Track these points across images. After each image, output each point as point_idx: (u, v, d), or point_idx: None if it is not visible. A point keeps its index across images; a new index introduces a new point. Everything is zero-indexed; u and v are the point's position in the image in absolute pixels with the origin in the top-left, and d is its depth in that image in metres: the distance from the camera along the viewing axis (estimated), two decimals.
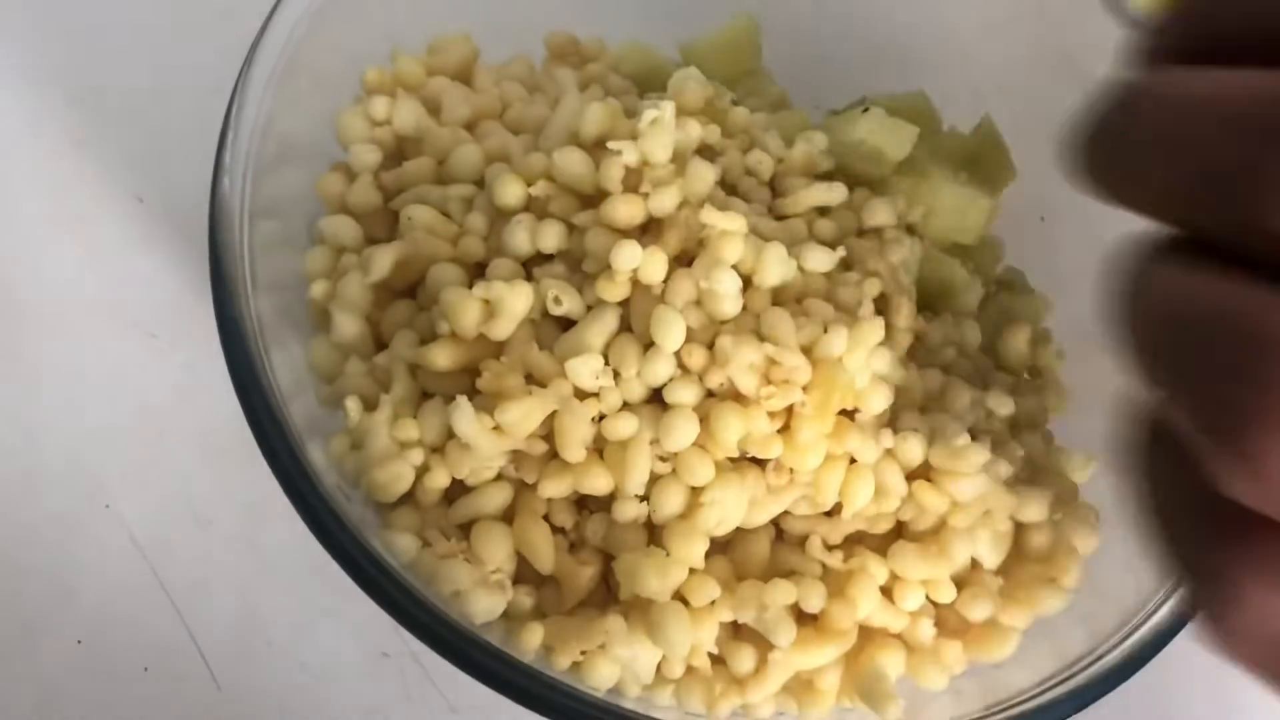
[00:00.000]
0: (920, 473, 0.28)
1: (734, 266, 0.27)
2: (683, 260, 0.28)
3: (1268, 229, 0.15)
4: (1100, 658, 0.28)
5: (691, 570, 0.27)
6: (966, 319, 0.34)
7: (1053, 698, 0.27)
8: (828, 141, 0.33)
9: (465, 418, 0.26)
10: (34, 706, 0.34)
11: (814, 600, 0.27)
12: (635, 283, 0.27)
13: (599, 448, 0.27)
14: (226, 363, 0.26)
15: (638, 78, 0.37)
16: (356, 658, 0.36)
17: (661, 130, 0.28)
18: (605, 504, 0.28)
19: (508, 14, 0.38)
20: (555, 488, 0.27)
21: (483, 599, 0.26)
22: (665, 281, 0.27)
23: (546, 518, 0.28)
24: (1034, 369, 0.35)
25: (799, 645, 0.27)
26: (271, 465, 0.25)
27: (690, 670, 0.28)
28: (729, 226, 0.27)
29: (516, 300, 0.27)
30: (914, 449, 0.28)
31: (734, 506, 0.27)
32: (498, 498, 0.27)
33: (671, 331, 0.26)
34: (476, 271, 0.29)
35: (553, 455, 0.27)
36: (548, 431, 0.27)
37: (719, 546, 0.28)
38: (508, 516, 0.28)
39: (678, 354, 0.27)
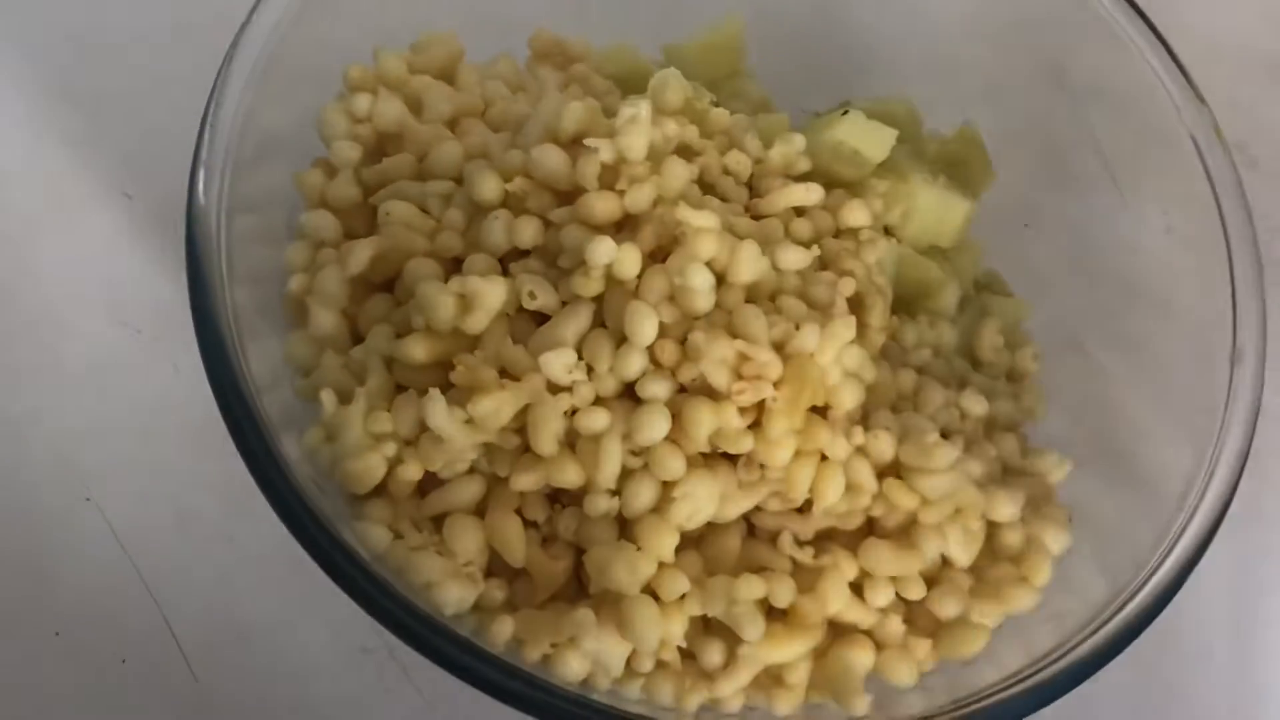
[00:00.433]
0: (891, 470, 0.29)
1: (707, 263, 0.27)
2: (658, 257, 0.28)
3: None
4: (1068, 653, 0.28)
5: (662, 564, 0.27)
6: (943, 320, 0.34)
7: (1018, 692, 0.27)
8: (806, 143, 0.33)
9: (438, 410, 0.26)
10: (10, 697, 0.34)
11: (783, 595, 0.27)
12: (610, 278, 0.27)
13: (571, 442, 0.27)
14: (201, 354, 0.26)
15: (622, 79, 0.37)
16: (335, 652, 0.36)
17: (637, 128, 0.28)
18: (578, 498, 0.28)
19: (495, 13, 0.38)
20: (527, 481, 0.27)
21: (453, 591, 0.26)
22: (639, 277, 0.27)
23: (520, 512, 0.28)
24: (1012, 371, 0.36)
25: (768, 640, 0.27)
26: (243, 455, 0.25)
27: (660, 664, 0.28)
28: (702, 223, 0.27)
29: (491, 294, 0.27)
30: (884, 446, 0.28)
31: (705, 501, 0.27)
32: (470, 490, 0.28)
33: (644, 326, 0.27)
34: (454, 266, 0.29)
35: (525, 449, 0.27)
36: (521, 425, 0.27)
37: (690, 541, 0.28)
38: (480, 510, 0.28)
39: (650, 349, 0.27)
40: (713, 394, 0.27)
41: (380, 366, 0.28)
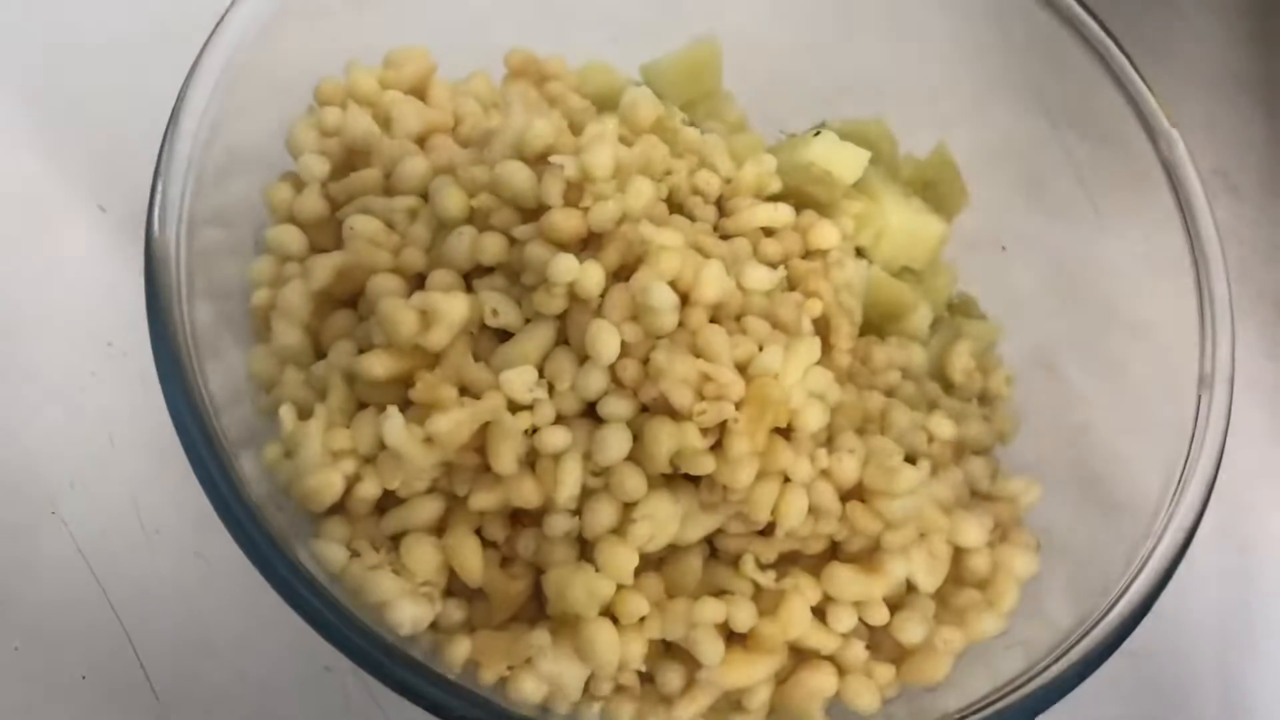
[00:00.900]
0: (855, 493, 0.28)
1: (672, 282, 0.27)
2: (622, 275, 0.28)
3: None
4: (1032, 679, 0.27)
5: (621, 586, 0.27)
6: (914, 342, 0.34)
7: (984, 717, 0.27)
8: (779, 163, 0.33)
9: (395, 428, 0.26)
10: None
11: (743, 619, 0.27)
12: (573, 296, 0.27)
13: (532, 461, 0.27)
14: (157, 372, 0.26)
15: (599, 97, 0.37)
16: (298, 671, 0.36)
17: (602, 145, 0.28)
18: (538, 518, 0.28)
19: (473, 30, 0.38)
20: (485, 500, 0.27)
21: (409, 610, 0.26)
22: (602, 295, 0.27)
23: (479, 531, 0.28)
24: (983, 394, 0.35)
25: (727, 664, 0.27)
26: (197, 473, 0.25)
27: (619, 687, 0.27)
28: (665, 241, 0.27)
29: (452, 311, 0.27)
30: (848, 468, 0.28)
31: (666, 523, 0.27)
32: (428, 510, 0.27)
33: (606, 345, 0.26)
34: (417, 282, 0.29)
35: (485, 468, 0.27)
36: (480, 444, 0.27)
37: (651, 563, 0.28)
38: (439, 529, 0.28)
39: (612, 368, 0.27)
40: (674, 414, 0.27)
41: (341, 383, 0.28)
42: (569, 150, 0.29)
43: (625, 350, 0.27)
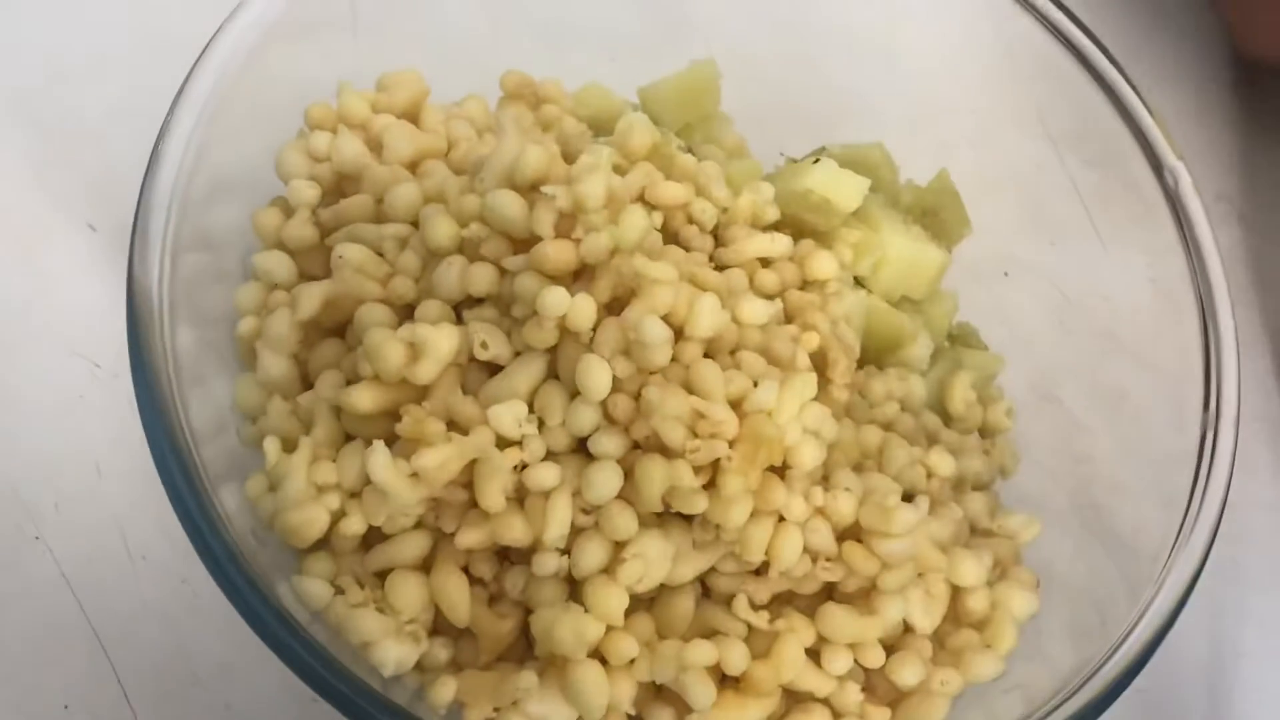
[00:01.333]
0: (852, 532, 0.28)
1: (665, 316, 0.27)
2: (614, 308, 0.27)
3: None
4: None
5: (610, 627, 0.26)
6: (913, 373, 0.33)
7: None
8: (776, 191, 0.32)
9: (380, 463, 0.25)
10: None
11: (736, 661, 0.26)
12: (564, 329, 0.27)
13: (520, 497, 0.27)
14: (137, 402, 0.25)
15: (595, 120, 0.37)
16: (284, 701, 0.35)
17: (595, 175, 0.27)
18: (526, 556, 0.27)
19: (468, 51, 0.38)
20: (473, 538, 0.26)
21: (393, 651, 0.25)
22: (594, 329, 0.27)
23: (467, 568, 0.27)
24: (984, 427, 0.35)
25: (719, 708, 0.26)
26: (175, 506, 0.24)
27: None
28: (659, 275, 0.26)
29: (441, 343, 0.26)
30: (845, 507, 0.27)
31: (657, 562, 0.26)
32: (415, 546, 0.27)
33: (597, 380, 0.26)
34: (406, 313, 0.28)
35: (473, 504, 0.27)
36: (468, 480, 0.26)
37: (642, 603, 0.27)
38: (426, 566, 0.27)
39: (604, 404, 0.26)
40: (666, 451, 0.26)
41: (328, 415, 0.28)
42: (562, 179, 0.28)
43: (617, 385, 0.26)
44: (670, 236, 0.31)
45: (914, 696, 0.28)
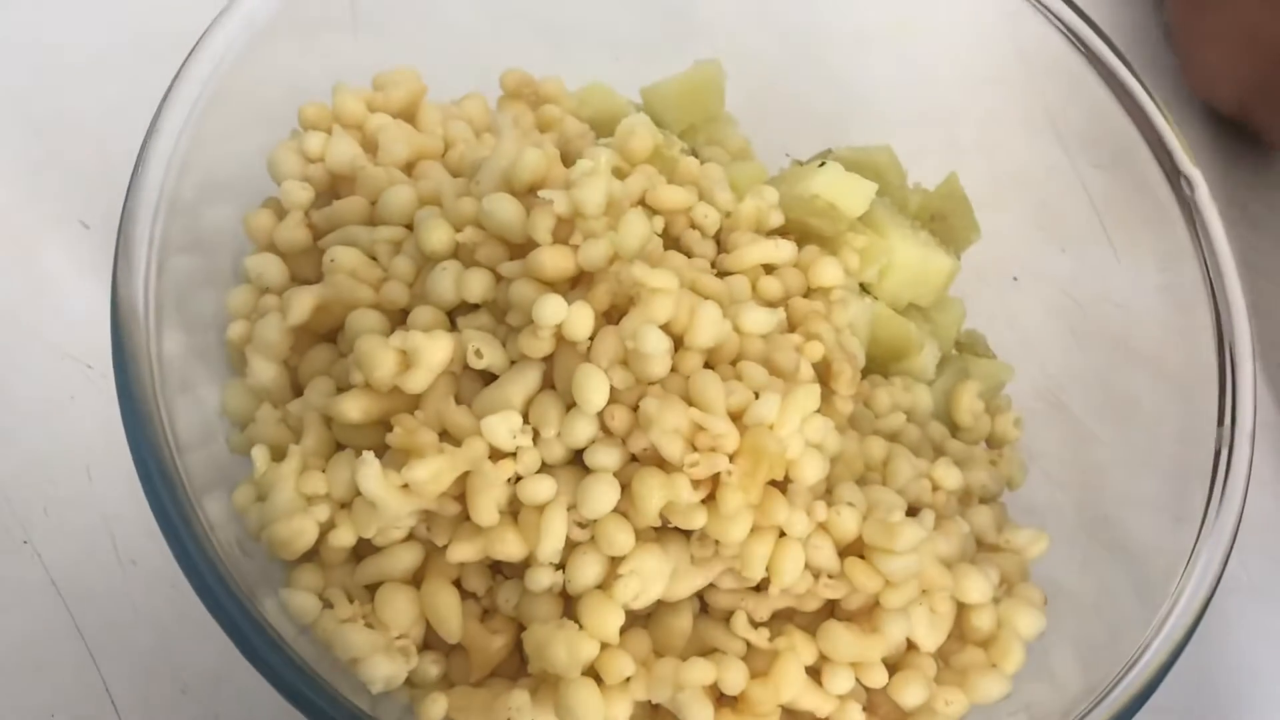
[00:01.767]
0: (854, 548, 0.27)
1: (665, 325, 0.26)
2: (613, 316, 0.27)
3: None
4: None
5: (606, 645, 0.25)
6: (919, 383, 0.32)
7: None
8: (781, 195, 0.32)
9: (370, 475, 0.25)
10: None
11: (734, 680, 0.26)
12: (560, 338, 0.26)
13: (514, 511, 0.26)
14: (120, 411, 0.25)
15: (597, 120, 0.36)
16: (273, 709, 0.34)
17: (594, 181, 0.26)
18: (520, 570, 0.26)
19: (469, 49, 0.37)
20: (465, 551, 0.26)
21: (382, 668, 0.25)
22: (591, 338, 0.26)
23: (459, 582, 0.27)
24: (991, 438, 0.34)
25: None
26: (158, 519, 0.24)
27: None
28: (659, 284, 0.26)
29: (434, 352, 0.26)
30: (847, 523, 0.27)
31: (654, 578, 0.26)
32: (406, 559, 0.26)
33: (594, 391, 0.25)
34: (399, 319, 0.28)
35: (466, 517, 0.26)
36: (461, 492, 0.26)
37: (638, 620, 0.27)
38: (417, 579, 0.26)
39: (601, 415, 0.25)
40: (665, 465, 0.25)
41: (318, 423, 0.27)
42: (561, 182, 0.27)
43: (614, 397, 0.25)
44: (671, 241, 0.30)
45: (917, 717, 0.27)
